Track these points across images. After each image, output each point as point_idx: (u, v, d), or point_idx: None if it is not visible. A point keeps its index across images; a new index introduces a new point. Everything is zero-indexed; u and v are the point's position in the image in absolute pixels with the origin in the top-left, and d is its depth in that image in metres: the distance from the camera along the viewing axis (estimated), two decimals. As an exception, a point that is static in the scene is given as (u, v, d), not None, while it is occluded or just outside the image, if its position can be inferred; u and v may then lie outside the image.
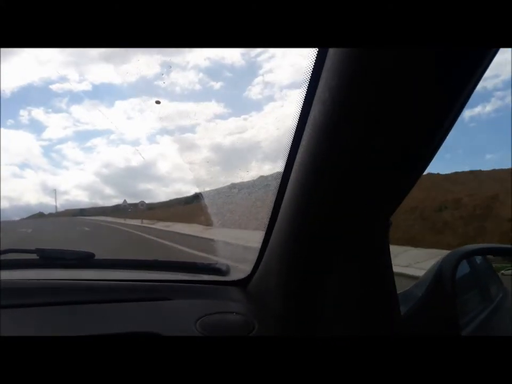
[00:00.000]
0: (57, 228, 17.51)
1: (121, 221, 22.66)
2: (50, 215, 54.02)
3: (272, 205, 0.81)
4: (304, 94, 0.62)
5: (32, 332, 0.77)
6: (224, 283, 1.05)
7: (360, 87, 0.51)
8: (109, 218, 28.34)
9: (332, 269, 0.74)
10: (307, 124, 0.63)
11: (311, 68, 0.59)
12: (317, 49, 0.57)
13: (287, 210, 0.75)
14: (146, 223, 18.62)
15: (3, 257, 1.08)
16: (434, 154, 0.57)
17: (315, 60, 0.57)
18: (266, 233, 0.87)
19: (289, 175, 0.71)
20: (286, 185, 0.73)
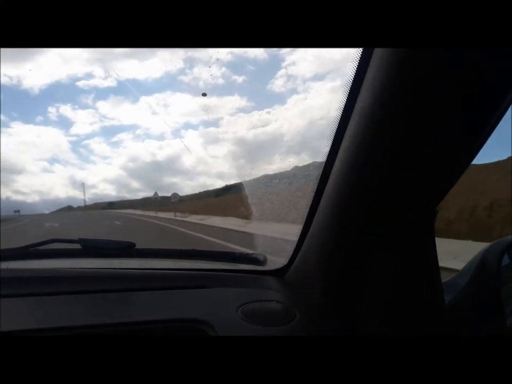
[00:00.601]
0: (86, 221, 16.90)
1: (152, 213, 22.33)
2: (79, 208, 55.89)
3: (312, 196, 0.82)
4: (350, 84, 0.63)
5: (78, 319, 0.80)
6: (261, 272, 1.07)
7: (408, 82, 0.52)
8: (139, 211, 28.02)
9: (375, 259, 0.73)
10: (352, 114, 0.63)
11: (358, 57, 0.60)
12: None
13: (328, 201, 0.75)
14: (179, 216, 18.19)
15: (47, 247, 1.11)
16: (482, 145, 0.57)
17: (361, 52, 0.59)
18: (305, 224, 0.87)
19: (332, 167, 0.72)
20: (328, 177, 0.74)
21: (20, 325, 0.77)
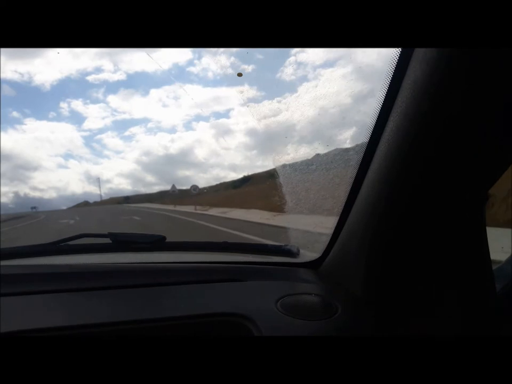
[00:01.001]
0: (102, 217, 15.89)
1: (171, 207, 21.93)
2: (95, 203, 55.21)
3: (349, 186, 0.81)
4: (392, 70, 0.63)
5: (111, 315, 0.79)
6: (295, 265, 1.07)
7: (459, 68, 0.52)
8: (156, 205, 27.71)
9: (420, 249, 0.71)
10: (396, 100, 0.63)
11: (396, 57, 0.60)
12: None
13: (369, 189, 0.73)
14: (199, 209, 17.74)
15: (76, 242, 1.10)
16: None
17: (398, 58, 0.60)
18: (341, 215, 0.87)
19: (373, 154, 0.71)
20: (369, 165, 0.72)
21: (52, 322, 0.75)
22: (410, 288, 0.76)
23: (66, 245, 1.11)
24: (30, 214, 23.36)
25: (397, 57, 0.61)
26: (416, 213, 0.67)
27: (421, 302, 0.75)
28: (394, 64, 0.61)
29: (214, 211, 16.07)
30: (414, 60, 0.57)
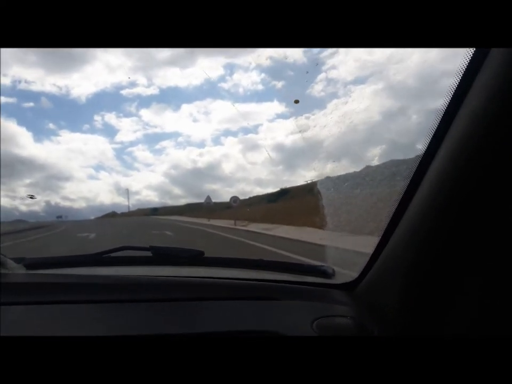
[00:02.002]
0: (129, 231, 13.22)
1: (204, 221, 20.47)
2: (123, 214, 54.91)
3: (393, 208, 0.81)
4: (453, 90, 0.63)
5: (148, 328, 0.84)
6: (330, 286, 1.09)
7: None
8: (187, 218, 26.70)
9: (463, 277, 0.69)
10: (452, 125, 0.63)
11: (468, 59, 0.60)
12: (474, 49, 0.58)
13: (414, 214, 0.74)
14: (238, 224, 16.20)
15: (118, 254, 1.18)
16: None
17: (473, 53, 0.59)
18: (382, 237, 0.87)
19: (423, 176, 0.71)
20: (417, 187, 0.73)
21: (92, 331, 0.80)
22: (450, 317, 0.74)
23: (109, 257, 1.17)
24: (53, 223, 22.48)
25: (460, 74, 0.62)
26: (459, 241, 0.66)
27: (460, 332, 0.72)
28: (459, 77, 0.62)
29: (255, 227, 14.49)
30: (486, 67, 0.57)
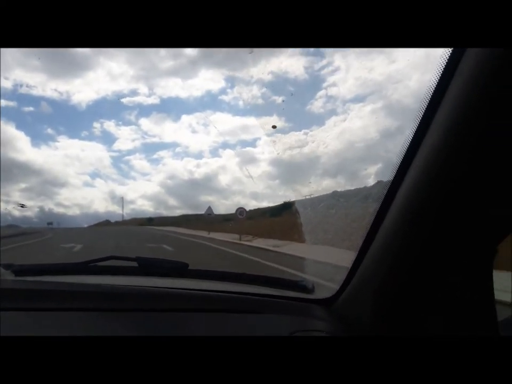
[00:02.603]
0: (123, 243, 11.93)
1: (203, 233, 18.92)
2: (117, 223, 53.45)
3: (369, 225, 0.84)
4: (424, 108, 0.65)
5: (133, 334, 0.86)
6: (309, 301, 1.14)
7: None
8: (184, 230, 24.88)
9: (434, 295, 0.76)
10: (423, 142, 0.65)
11: (436, 79, 0.62)
12: (449, 51, 0.59)
13: (388, 232, 0.78)
14: (243, 239, 15.05)
15: (105, 263, 1.23)
16: None
17: (446, 63, 0.60)
18: (358, 254, 0.90)
19: (395, 193, 0.74)
20: (390, 203, 0.76)
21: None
22: (419, 330, 0.79)
23: (95, 266, 1.22)
24: (41, 230, 21.34)
25: (429, 95, 0.63)
26: (431, 257, 0.71)
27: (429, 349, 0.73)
28: (426, 102, 0.64)
29: (262, 243, 13.32)
30: (446, 99, 0.59)
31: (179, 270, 1.19)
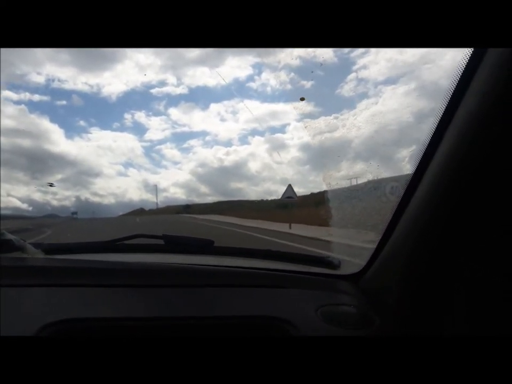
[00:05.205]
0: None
1: (252, 223, 15.54)
2: (151, 211, 50.85)
3: (397, 202, 0.87)
4: (449, 95, 0.66)
5: (160, 311, 0.89)
6: (335, 277, 1.14)
7: None
8: (231, 219, 20.57)
9: (462, 270, 0.74)
10: (453, 120, 0.66)
11: (461, 70, 0.63)
12: (470, 52, 0.60)
13: (416, 209, 0.80)
14: (297, 229, 11.43)
15: (132, 241, 1.26)
16: None
17: (467, 61, 0.61)
18: (386, 231, 0.92)
19: (422, 174, 0.76)
20: (419, 182, 0.77)
21: (106, 313, 0.87)
22: (449, 307, 0.80)
23: (123, 244, 1.27)
24: (60, 222, 17.53)
25: (459, 74, 0.65)
26: (459, 235, 0.73)
27: (457, 322, 0.80)
28: (456, 79, 0.65)
29: (321, 233, 9.28)
30: (476, 78, 0.61)
31: (205, 247, 1.23)
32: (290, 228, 13.19)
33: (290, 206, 14.33)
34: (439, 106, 0.67)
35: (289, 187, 13.16)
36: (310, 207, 16.67)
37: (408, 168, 0.81)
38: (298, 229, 12.73)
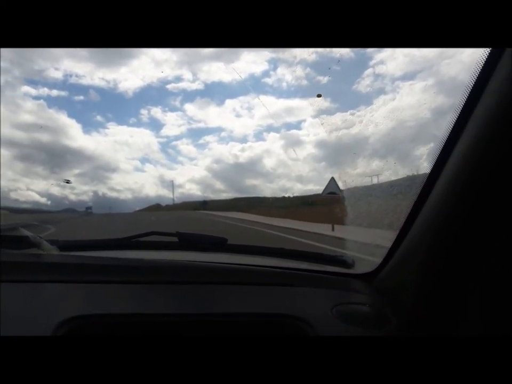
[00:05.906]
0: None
1: (280, 223, 14.09)
2: (167, 207, 51.31)
3: (412, 202, 0.87)
4: (468, 92, 0.66)
5: (173, 307, 0.91)
6: (349, 276, 1.18)
7: None
8: (256, 217, 19.03)
9: (480, 269, 0.74)
10: (471, 117, 0.65)
11: (480, 66, 0.64)
12: (489, 49, 0.60)
13: (433, 207, 0.80)
14: (345, 232, 6.04)
15: (146, 238, 1.31)
16: None
17: (486, 57, 0.62)
18: (401, 231, 0.93)
19: (440, 172, 0.76)
20: (435, 181, 0.78)
21: (121, 309, 0.90)
22: (464, 306, 0.79)
23: (137, 241, 1.30)
24: (70, 218, 17.30)
25: (478, 70, 0.66)
26: (476, 233, 0.72)
27: (473, 324, 0.78)
28: (475, 77, 0.66)
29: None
30: (497, 73, 0.62)
31: (218, 244, 1.25)
32: (333, 229, 10.39)
33: (330, 203, 11.18)
34: (457, 103, 0.68)
35: (332, 181, 10.77)
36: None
37: (425, 166, 0.80)
38: (348, 232, 10.18)
